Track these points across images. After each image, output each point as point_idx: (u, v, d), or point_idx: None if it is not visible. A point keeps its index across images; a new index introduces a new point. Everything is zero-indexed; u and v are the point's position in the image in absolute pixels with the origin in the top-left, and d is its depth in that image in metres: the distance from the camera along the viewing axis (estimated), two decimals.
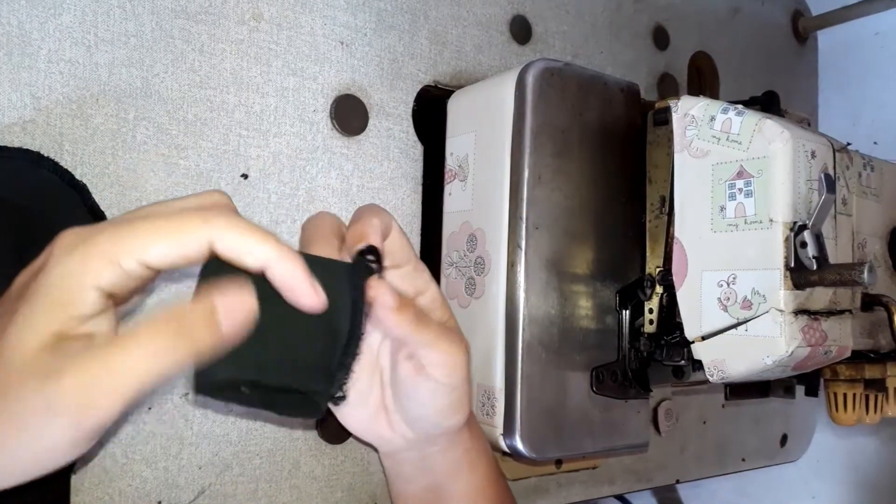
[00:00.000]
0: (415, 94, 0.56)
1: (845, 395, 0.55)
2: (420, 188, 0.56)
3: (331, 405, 0.39)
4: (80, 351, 0.25)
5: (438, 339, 0.38)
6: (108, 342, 0.26)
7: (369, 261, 0.36)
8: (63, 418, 0.25)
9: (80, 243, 0.26)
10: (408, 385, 0.39)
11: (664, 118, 0.52)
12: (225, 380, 0.29)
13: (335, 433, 0.51)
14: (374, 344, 0.41)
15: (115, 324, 0.28)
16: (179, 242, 0.27)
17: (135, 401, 0.26)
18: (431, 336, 0.38)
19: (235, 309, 0.28)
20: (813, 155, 0.45)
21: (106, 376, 0.25)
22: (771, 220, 0.43)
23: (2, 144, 0.40)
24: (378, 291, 0.35)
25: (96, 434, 0.26)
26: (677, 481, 0.75)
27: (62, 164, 0.42)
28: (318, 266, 0.31)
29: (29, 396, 0.25)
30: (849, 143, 0.50)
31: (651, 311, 0.51)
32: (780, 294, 0.43)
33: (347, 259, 0.36)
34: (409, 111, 0.56)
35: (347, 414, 0.42)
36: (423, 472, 0.44)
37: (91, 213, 0.43)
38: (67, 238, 0.27)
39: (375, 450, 0.45)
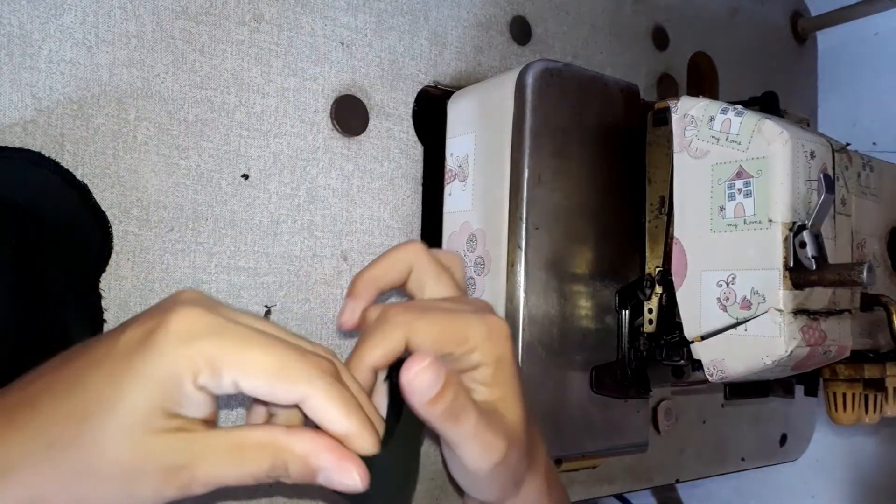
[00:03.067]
0: (415, 95, 0.56)
1: (844, 395, 0.55)
2: (420, 188, 0.56)
3: None
4: (194, 440, 0.28)
5: (467, 441, 0.35)
6: (224, 445, 0.29)
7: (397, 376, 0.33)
8: (160, 496, 0.28)
9: (195, 340, 0.28)
10: (442, 448, 0.37)
11: (664, 118, 0.52)
12: None
13: None
14: None
15: (211, 405, 0.30)
16: (273, 388, 0.29)
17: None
18: (459, 436, 0.34)
19: (337, 480, 0.30)
20: (812, 155, 0.45)
21: (210, 476, 0.28)
22: (770, 221, 0.43)
23: (2, 145, 0.40)
24: (409, 380, 0.32)
25: (173, 499, 0.29)
26: (677, 481, 0.75)
27: (63, 164, 0.42)
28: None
29: (136, 458, 0.27)
30: (848, 144, 0.50)
31: (650, 310, 0.51)
32: (780, 294, 0.43)
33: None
34: (410, 112, 0.56)
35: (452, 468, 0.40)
36: None
37: (92, 214, 0.43)
38: (184, 323, 0.28)
39: None
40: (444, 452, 0.38)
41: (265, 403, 0.33)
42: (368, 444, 0.31)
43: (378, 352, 0.35)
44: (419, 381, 0.32)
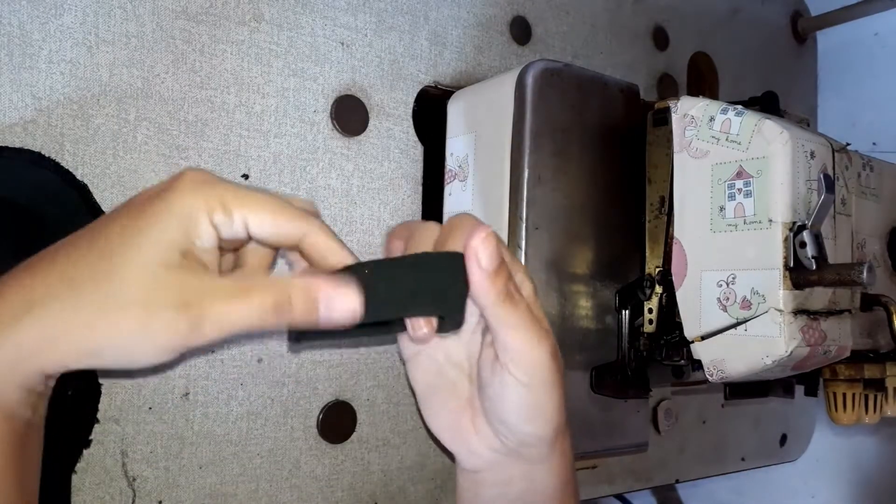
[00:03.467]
0: (415, 95, 0.56)
1: (844, 395, 0.55)
2: (420, 188, 0.56)
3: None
4: (204, 280, 0.30)
5: (521, 324, 0.35)
6: (231, 286, 0.31)
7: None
8: (173, 330, 0.29)
9: (206, 185, 0.31)
10: (486, 372, 0.37)
11: (664, 118, 0.52)
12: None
13: (336, 433, 0.51)
14: (466, 331, 0.39)
15: (217, 261, 0.32)
16: (279, 223, 0.32)
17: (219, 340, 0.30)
18: (515, 318, 0.35)
19: (338, 307, 0.32)
20: (812, 155, 0.45)
21: (220, 314, 0.30)
22: (770, 221, 0.43)
23: (2, 144, 0.41)
24: (476, 244, 0.33)
25: (173, 355, 0.30)
26: (677, 481, 0.75)
27: (63, 164, 0.42)
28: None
29: (152, 290, 0.29)
30: (848, 144, 0.50)
31: (651, 310, 0.51)
32: (780, 294, 0.43)
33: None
34: (410, 112, 0.56)
35: (434, 412, 0.39)
36: (501, 499, 0.40)
37: (92, 214, 0.43)
38: (196, 175, 0.31)
39: (453, 460, 0.41)
40: (479, 378, 0.37)
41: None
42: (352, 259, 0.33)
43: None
44: (487, 244, 0.33)
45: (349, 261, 0.33)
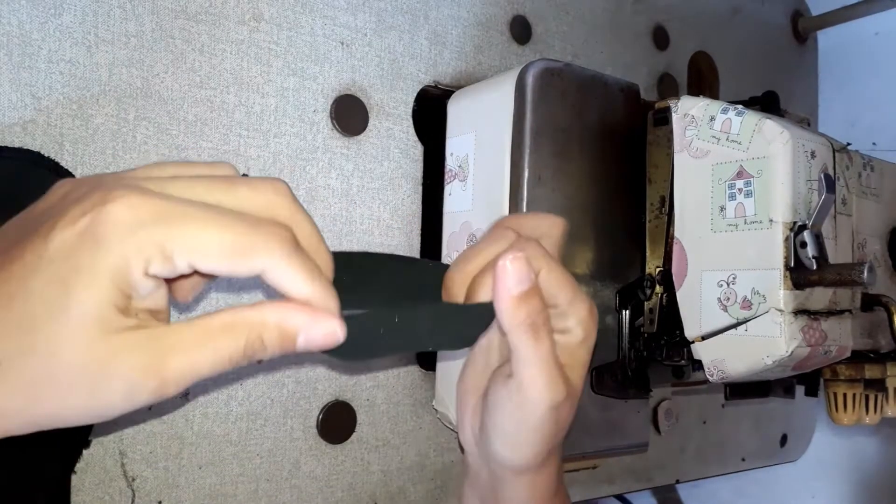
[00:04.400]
0: (415, 95, 0.56)
1: (845, 395, 0.55)
2: (420, 188, 0.56)
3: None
4: (157, 335, 0.26)
5: (537, 362, 0.34)
6: (192, 335, 0.27)
7: None
8: (134, 394, 0.26)
9: (139, 229, 0.26)
10: (496, 377, 0.37)
11: (664, 118, 0.52)
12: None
13: (335, 433, 0.51)
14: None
15: (164, 297, 0.28)
16: (232, 265, 0.27)
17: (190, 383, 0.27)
18: (532, 354, 0.34)
19: (317, 338, 0.29)
20: (813, 155, 0.45)
21: (184, 368, 0.27)
22: (771, 220, 0.43)
23: (2, 144, 0.40)
24: (503, 264, 0.33)
25: (146, 403, 0.27)
26: (677, 481, 0.75)
27: (62, 164, 0.42)
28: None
29: (99, 361, 0.26)
30: (849, 144, 0.50)
31: (651, 311, 0.51)
32: (780, 294, 0.43)
33: None
34: (409, 111, 0.56)
35: (466, 372, 0.40)
36: (473, 489, 0.41)
37: None
38: (123, 215, 0.26)
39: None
40: (493, 395, 0.37)
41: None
42: (333, 305, 0.29)
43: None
44: (515, 266, 0.32)
45: (316, 295, 0.29)
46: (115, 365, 0.26)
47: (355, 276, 0.33)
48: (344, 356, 0.31)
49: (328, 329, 0.29)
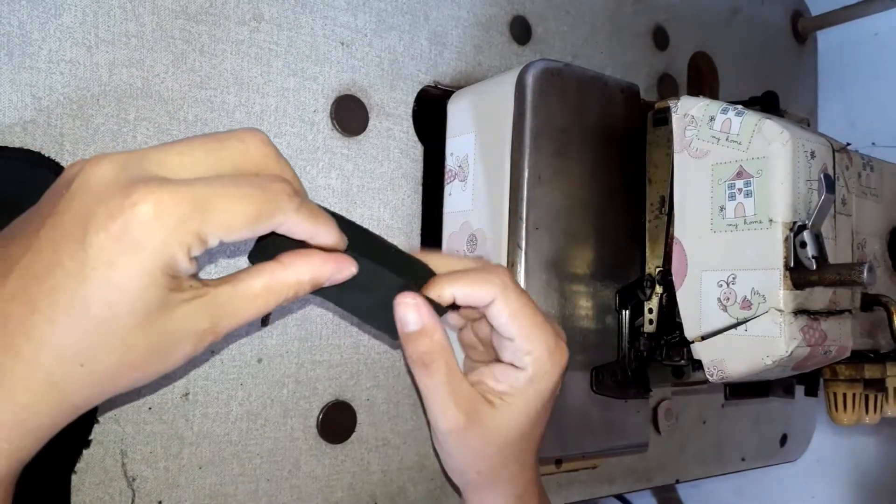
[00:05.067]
0: (415, 95, 0.56)
1: (845, 395, 0.55)
2: (420, 188, 0.56)
3: None
4: (207, 302, 0.30)
5: (429, 394, 0.39)
6: (239, 298, 0.31)
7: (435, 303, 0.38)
8: (192, 353, 0.31)
9: (175, 224, 0.28)
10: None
11: (664, 118, 0.52)
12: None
13: (335, 433, 0.51)
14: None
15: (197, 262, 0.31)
16: (255, 230, 0.30)
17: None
18: (424, 386, 0.39)
19: (339, 278, 0.34)
20: (812, 155, 0.45)
21: (234, 325, 0.31)
22: (770, 220, 0.43)
23: (2, 144, 0.40)
24: (396, 304, 0.37)
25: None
26: (677, 481, 0.75)
27: (63, 164, 0.42)
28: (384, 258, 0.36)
29: (169, 340, 0.30)
30: (848, 144, 0.50)
31: (651, 311, 0.51)
32: (780, 294, 0.43)
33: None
34: (410, 111, 0.56)
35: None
36: None
37: None
38: (152, 212, 0.27)
39: None
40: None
41: None
42: (342, 240, 0.34)
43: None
44: (400, 311, 0.37)
45: (328, 237, 0.33)
46: (181, 337, 0.30)
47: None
48: (326, 295, 0.35)
49: (347, 273, 0.34)
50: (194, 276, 0.30)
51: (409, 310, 0.37)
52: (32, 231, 0.29)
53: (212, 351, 0.47)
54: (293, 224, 0.31)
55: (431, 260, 0.40)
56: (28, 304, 0.28)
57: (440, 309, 0.38)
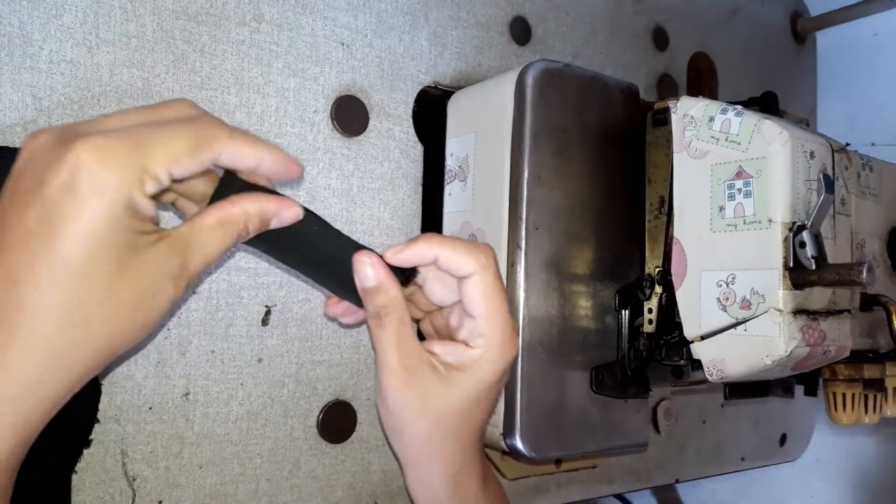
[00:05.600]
0: (415, 95, 0.56)
1: (844, 395, 0.55)
2: (420, 188, 0.56)
3: None
4: (178, 240, 0.32)
5: (379, 346, 0.40)
6: (206, 233, 0.33)
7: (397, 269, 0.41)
8: (177, 284, 0.32)
9: (124, 163, 0.29)
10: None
11: (663, 119, 0.52)
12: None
13: (336, 433, 0.51)
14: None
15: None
16: (200, 159, 0.32)
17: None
18: (374, 337, 0.40)
19: (287, 217, 0.37)
20: (812, 155, 0.45)
21: (203, 262, 0.33)
22: (770, 221, 0.43)
23: (2, 145, 0.41)
24: (355, 260, 0.39)
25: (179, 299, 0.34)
26: (676, 481, 0.75)
27: None
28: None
29: (147, 281, 0.31)
30: (847, 144, 0.50)
31: (650, 310, 0.51)
32: (779, 294, 0.43)
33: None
34: (410, 112, 0.56)
35: None
36: None
37: None
38: (96, 156, 0.29)
39: None
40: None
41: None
42: (284, 156, 0.36)
43: None
44: (359, 267, 0.39)
45: (268, 156, 0.35)
46: (160, 278, 0.31)
47: None
48: (267, 246, 0.38)
49: (293, 213, 0.37)
50: (155, 222, 0.32)
51: (367, 267, 0.39)
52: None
53: (212, 350, 0.47)
54: (235, 150, 0.33)
55: (427, 237, 0.42)
56: (10, 278, 0.29)
57: (400, 276, 0.40)
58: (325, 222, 0.39)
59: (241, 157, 0.34)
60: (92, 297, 0.30)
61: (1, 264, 0.29)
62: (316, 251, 0.39)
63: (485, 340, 0.41)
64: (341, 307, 0.43)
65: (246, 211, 0.35)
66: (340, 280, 0.40)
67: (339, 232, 0.40)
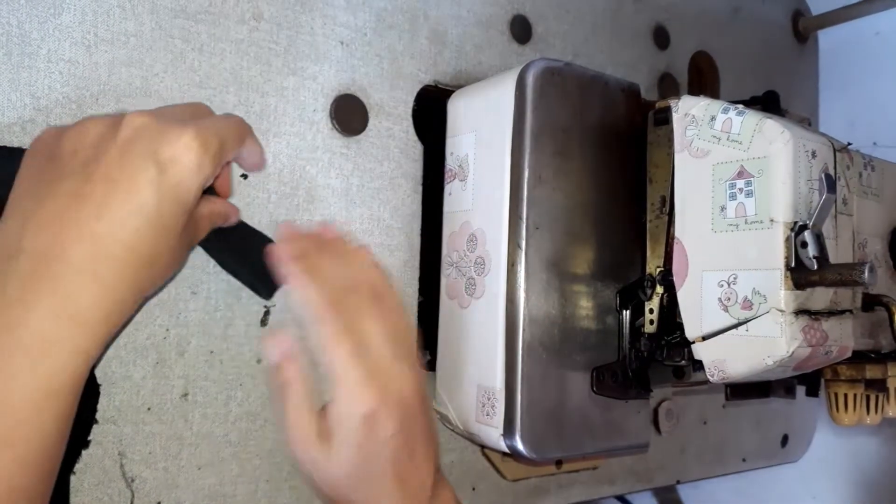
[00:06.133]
0: (415, 94, 0.56)
1: (846, 396, 0.55)
2: (420, 188, 0.56)
3: None
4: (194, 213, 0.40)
5: (282, 414, 0.41)
6: (198, 218, 0.41)
7: None
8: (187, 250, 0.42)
9: (210, 148, 0.38)
10: None
11: (665, 118, 0.52)
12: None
13: None
14: None
15: None
16: (241, 146, 0.42)
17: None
18: (281, 406, 0.41)
19: (232, 216, 0.45)
20: (813, 155, 0.45)
21: (197, 235, 0.42)
22: (771, 220, 0.43)
23: (1, 144, 0.40)
24: (263, 342, 0.44)
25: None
26: (678, 482, 0.75)
27: None
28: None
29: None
30: (849, 143, 0.50)
31: (651, 311, 0.51)
32: (781, 294, 0.43)
33: None
34: (409, 111, 0.56)
35: None
36: None
37: None
38: (199, 145, 0.37)
39: None
40: None
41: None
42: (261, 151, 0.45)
43: None
44: (266, 348, 0.42)
45: (256, 153, 0.44)
46: (187, 241, 0.40)
47: None
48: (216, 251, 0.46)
49: (237, 215, 0.46)
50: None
51: (271, 347, 0.41)
52: (81, 178, 0.36)
53: (211, 351, 0.47)
54: (251, 142, 0.43)
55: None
56: (118, 224, 0.35)
57: None
58: (244, 222, 0.47)
59: (254, 152, 0.43)
60: (166, 246, 0.37)
61: (108, 212, 0.35)
62: (236, 245, 0.46)
63: (335, 394, 0.40)
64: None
65: (222, 210, 0.43)
66: (252, 268, 0.46)
67: (252, 228, 0.47)
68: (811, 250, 0.42)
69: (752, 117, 0.45)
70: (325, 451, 0.39)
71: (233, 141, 0.40)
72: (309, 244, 0.43)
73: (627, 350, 0.51)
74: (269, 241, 0.47)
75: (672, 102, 0.50)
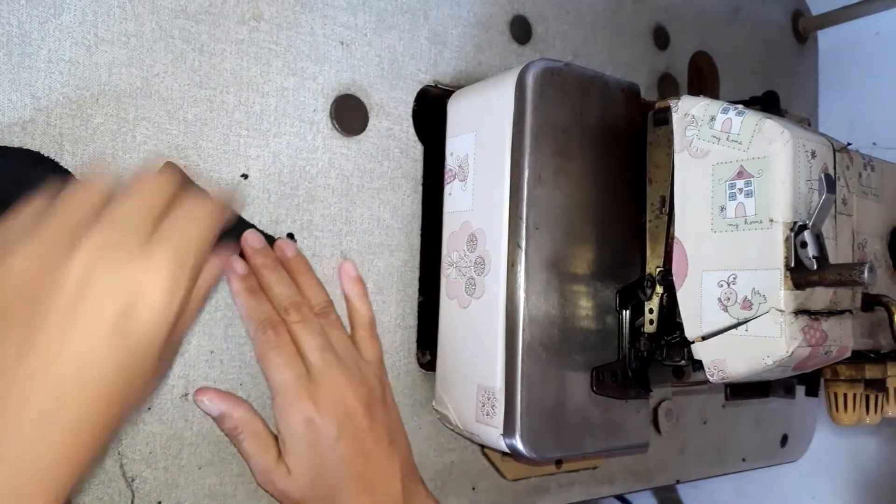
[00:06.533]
0: (415, 94, 0.56)
1: (846, 396, 0.55)
2: (420, 188, 0.56)
3: None
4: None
5: (243, 454, 0.45)
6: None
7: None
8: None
9: (176, 273, 0.34)
10: None
11: (664, 118, 0.52)
12: None
13: None
14: None
15: None
16: (212, 242, 0.37)
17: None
18: (240, 450, 0.45)
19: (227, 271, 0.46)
20: (813, 155, 0.45)
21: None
22: (771, 220, 0.43)
23: (1, 144, 0.40)
24: (201, 403, 0.45)
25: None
26: (677, 481, 0.75)
27: (62, 164, 0.42)
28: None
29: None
30: (849, 143, 0.50)
31: (651, 311, 0.51)
32: (781, 294, 0.43)
33: None
34: (409, 111, 0.56)
35: None
36: None
37: None
38: (164, 270, 0.33)
39: None
40: None
41: None
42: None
43: None
44: (201, 405, 0.44)
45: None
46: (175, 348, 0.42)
47: None
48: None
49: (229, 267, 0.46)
50: None
51: (205, 402, 0.44)
52: (28, 328, 0.31)
53: (211, 351, 0.47)
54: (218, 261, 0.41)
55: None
56: (74, 381, 0.31)
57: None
58: (242, 218, 0.47)
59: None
60: (140, 380, 0.34)
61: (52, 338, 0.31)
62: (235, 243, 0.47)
63: (274, 406, 0.44)
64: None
65: (216, 273, 0.41)
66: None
67: (250, 224, 0.48)
68: (811, 250, 0.42)
69: (752, 117, 0.45)
70: (284, 469, 0.43)
71: (208, 241, 0.36)
72: (267, 260, 0.46)
73: (627, 350, 0.51)
74: (271, 238, 0.48)
75: (672, 102, 0.50)
